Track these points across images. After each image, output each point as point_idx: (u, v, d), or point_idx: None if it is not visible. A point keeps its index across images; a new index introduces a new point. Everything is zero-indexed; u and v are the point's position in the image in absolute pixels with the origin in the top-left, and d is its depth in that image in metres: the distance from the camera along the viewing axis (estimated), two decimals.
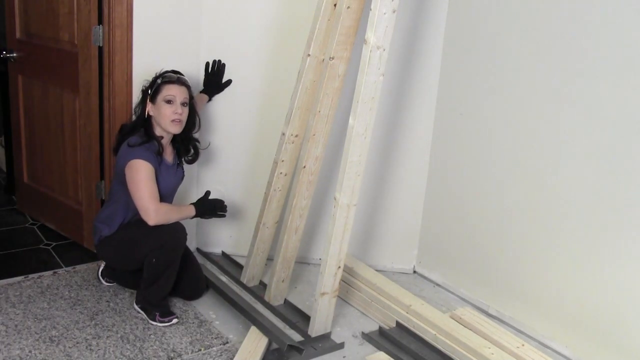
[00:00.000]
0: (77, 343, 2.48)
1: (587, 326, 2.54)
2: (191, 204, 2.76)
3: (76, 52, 3.07)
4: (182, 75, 2.72)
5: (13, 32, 3.46)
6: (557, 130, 2.57)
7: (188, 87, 2.70)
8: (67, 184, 3.35)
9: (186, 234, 2.69)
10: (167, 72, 2.69)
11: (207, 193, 2.83)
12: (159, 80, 2.65)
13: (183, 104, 2.66)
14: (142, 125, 2.67)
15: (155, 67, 2.74)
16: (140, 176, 2.55)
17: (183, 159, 2.84)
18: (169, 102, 2.62)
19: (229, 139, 3.20)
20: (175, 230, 2.64)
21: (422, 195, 3.24)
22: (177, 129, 2.66)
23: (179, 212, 2.69)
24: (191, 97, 2.72)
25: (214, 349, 2.52)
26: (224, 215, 2.84)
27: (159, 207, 2.57)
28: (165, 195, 2.71)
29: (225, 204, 2.84)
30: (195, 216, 2.74)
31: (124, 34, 2.89)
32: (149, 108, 2.65)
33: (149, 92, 2.65)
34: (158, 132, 2.68)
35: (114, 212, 2.71)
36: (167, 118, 2.63)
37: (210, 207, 2.79)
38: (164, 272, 2.64)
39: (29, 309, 2.70)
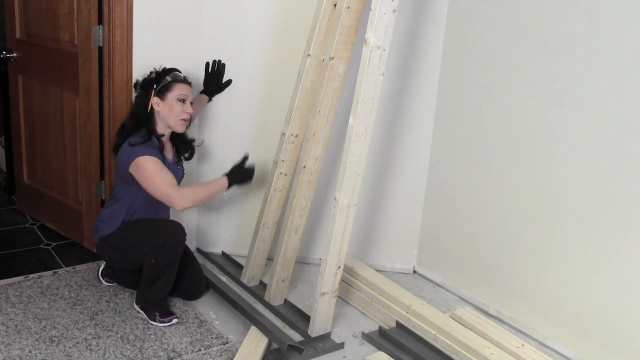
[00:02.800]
0: (77, 343, 2.49)
1: (587, 326, 2.54)
2: (224, 174, 2.77)
3: (76, 52, 3.07)
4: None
5: (13, 32, 3.46)
6: (557, 131, 2.57)
7: (191, 85, 2.76)
8: (67, 184, 3.35)
9: (185, 234, 2.69)
10: (171, 69, 2.71)
11: (245, 158, 2.85)
12: (168, 78, 2.67)
13: (190, 103, 2.73)
14: (145, 122, 2.67)
15: (155, 67, 2.73)
16: (150, 170, 2.57)
17: (182, 157, 2.86)
18: (181, 100, 2.67)
19: (229, 139, 3.20)
20: (175, 231, 2.64)
21: (422, 195, 3.24)
22: (183, 128, 2.72)
23: (208, 189, 2.72)
24: None
25: (214, 349, 2.52)
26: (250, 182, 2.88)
27: (180, 191, 2.59)
28: None
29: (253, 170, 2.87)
30: (228, 188, 2.76)
31: (124, 34, 2.89)
32: (154, 102, 2.66)
33: (155, 86, 2.65)
34: (160, 129, 2.69)
35: (115, 210, 2.72)
36: (178, 116, 2.67)
37: (245, 177, 2.83)
38: (163, 272, 2.64)
39: (29, 309, 2.70)
